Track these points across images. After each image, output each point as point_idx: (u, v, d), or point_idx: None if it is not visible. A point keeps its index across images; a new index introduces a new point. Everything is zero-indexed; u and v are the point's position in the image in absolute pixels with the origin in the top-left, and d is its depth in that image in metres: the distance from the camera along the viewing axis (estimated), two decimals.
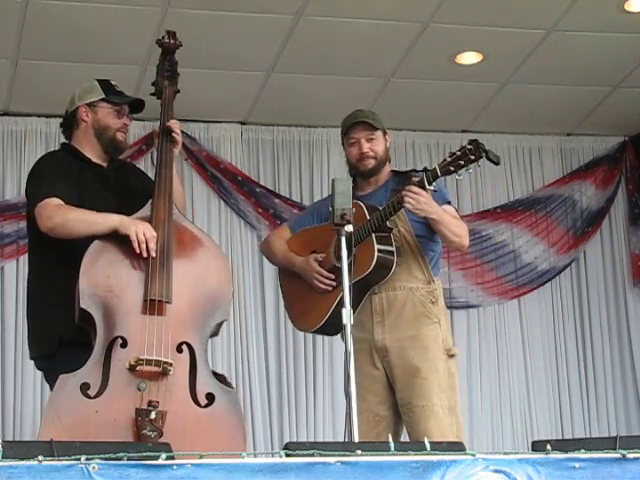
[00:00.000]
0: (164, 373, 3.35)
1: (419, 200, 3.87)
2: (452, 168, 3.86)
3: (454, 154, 3.87)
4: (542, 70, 6.48)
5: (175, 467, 2.28)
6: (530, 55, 6.31)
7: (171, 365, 3.36)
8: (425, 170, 4.02)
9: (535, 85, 6.71)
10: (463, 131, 7.33)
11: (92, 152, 3.90)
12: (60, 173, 3.79)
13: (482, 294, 7.15)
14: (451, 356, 4.03)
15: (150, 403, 3.28)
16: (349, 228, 3.54)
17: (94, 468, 2.23)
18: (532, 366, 7.12)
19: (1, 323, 6.39)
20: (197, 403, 3.38)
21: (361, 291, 3.94)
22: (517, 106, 6.97)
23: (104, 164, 3.93)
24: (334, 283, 4.03)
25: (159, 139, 3.86)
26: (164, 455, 2.29)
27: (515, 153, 7.46)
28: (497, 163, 3.96)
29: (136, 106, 4.01)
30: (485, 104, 6.93)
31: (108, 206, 3.71)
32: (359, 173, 4.21)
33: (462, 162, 3.84)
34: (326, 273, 4.07)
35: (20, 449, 2.28)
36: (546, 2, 5.76)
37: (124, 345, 3.39)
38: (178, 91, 4.03)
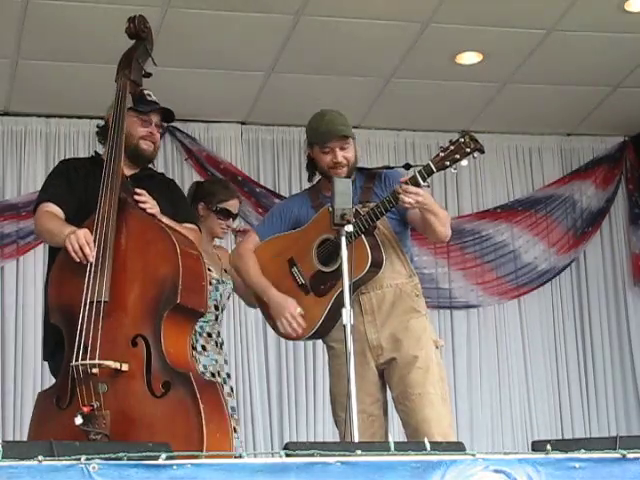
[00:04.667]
0: (118, 371, 3.39)
1: (417, 199, 3.83)
2: (447, 163, 3.82)
3: (447, 148, 3.84)
4: (542, 70, 6.48)
5: (175, 467, 2.27)
6: (530, 55, 6.31)
7: (109, 366, 3.37)
8: (407, 166, 4.00)
9: (535, 85, 6.71)
10: (463, 131, 7.31)
11: None
12: (60, 179, 3.89)
13: (482, 294, 7.15)
14: (437, 347, 4.05)
15: (81, 407, 3.32)
16: (349, 228, 3.53)
17: (94, 468, 2.23)
18: (532, 366, 7.12)
19: (1, 323, 6.39)
20: (154, 394, 3.39)
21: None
22: (517, 106, 6.97)
23: (129, 172, 3.94)
24: (301, 330, 3.99)
25: (110, 132, 3.82)
26: (164, 455, 2.29)
27: (515, 153, 7.46)
28: (483, 151, 3.90)
29: (168, 115, 4.05)
30: (485, 104, 6.93)
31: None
32: (328, 178, 4.05)
33: (458, 156, 3.81)
34: (300, 321, 3.99)
35: (20, 449, 2.28)
36: (546, 2, 5.76)
37: (86, 352, 3.43)
38: (148, 75, 3.98)
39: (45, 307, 3.82)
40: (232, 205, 4.87)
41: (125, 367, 3.39)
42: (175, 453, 2.35)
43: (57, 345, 3.64)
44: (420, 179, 3.85)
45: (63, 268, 3.64)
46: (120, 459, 2.28)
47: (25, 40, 5.77)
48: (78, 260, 3.53)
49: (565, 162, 7.54)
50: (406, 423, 3.99)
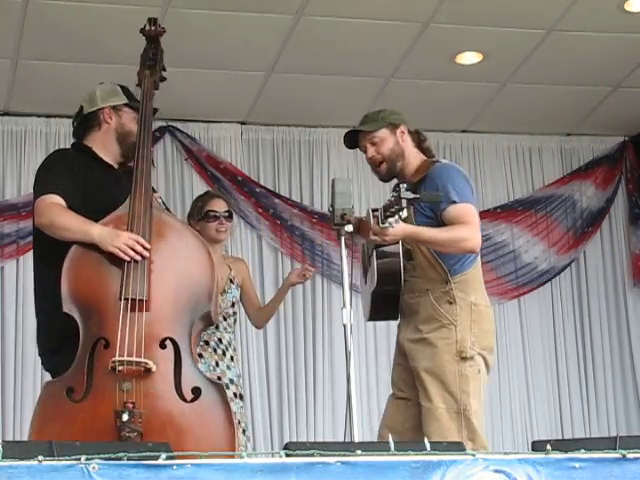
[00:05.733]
0: (146, 371, 3.34)
1: (384, 238, 3.79)
2: (387, 214, 3.66)
3: (389, 201, 3.66)
4: (542, 70, 6.48)
5: (175, 467, 2.27)
6: (530, 55, 6.31)
7: (147, 364, 3.33)
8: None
9: (535, 85, 6.71)
10: (463, 131, 7.33)
11: (108, 154, 3.88)
12: (66, 171, 3.76)
13: None
14: (464, 359, 3.93)
15: (124, 404, 3.26)
16: (349, 228, 3.54)
17: (94, 468, 2.23)
18: (532, 366, 7.12)
19: (1, 323, 6.39)
20: (183, 398, 3.36)
21: (388, 300, 4.02)
22: (517, 106, 6.97)
23: (115, 166, 3.92)
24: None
25: (138, 131, 3.78)
26: (164, 455, 2.29)
27: (515, 153, 7.46)
28: (439, 202, 3.84)
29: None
30: (485, 104, 6.93)
31: (115, 204, 3.67)
32: (380, 179, 4.23)
33: (390, 211, 3.64)
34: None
35: (20, 449, 2.27)
36: (546, 2, 5.76)
37: (107, 346, 3.37)
38: (164, 79, 3.98)
39: (48, 299, 3.67)
40: (214, 205, 4.88)
41: (154, 368, 3.35)
42: (175, 453, 2.35)
43: (65, 339, 3.53)
44: (380, 222, 3.72)
45: (82, 259, 3.52)
46: (120, 459, 2.28)
47: (25, 40, 5.77)
48: (128, 259, 3.46)
49: (565, 162, 7.54)
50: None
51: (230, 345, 4.90)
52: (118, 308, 3.41)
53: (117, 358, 3.32)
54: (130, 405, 3.25)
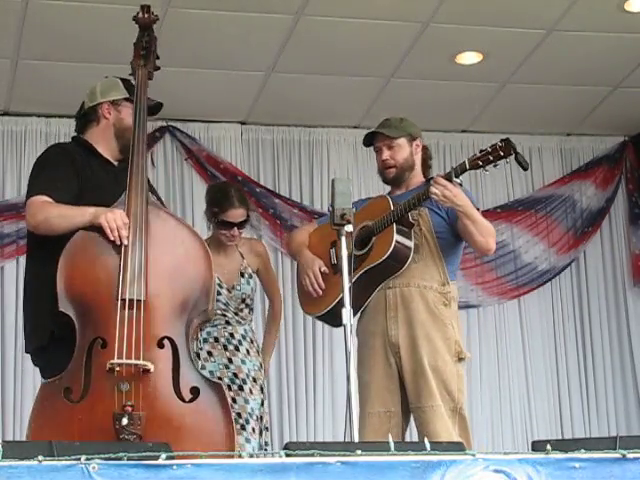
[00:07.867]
0: (145, 372, 3.29)
1: (444, 191, 3.89)
2: (480, 163, 3.93)
3: (484, 150, 3.94)
4: (542, 70, 6.48)
5: (175, 467, 2.27)
6: (530, 55, 6.31)
7: (145, 366, 3.29)
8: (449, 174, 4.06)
9: (535, 85, 6.72)
10: (463, 131, 7.33)
11: (107, 150, 3.82)
12: (59, 168, 3.68)
13: (482, 294, 7.15)
14: (461, 359, 4.08)
15: (123, 407, 3.22)
16: (349, 228, 3.56)
17: (94, 468, 2.23)
18: (532, 366, 7.12)
19: (1, 323, 6.39)
20: (181, 398, 3.33)
21: (372, 282, 4.01)
22: (517, 106, 6.97)
23: (115, 163, 3.85)
24: (320, 292, 4.14)
25: (134, 124, 3.69)
26: (164, 455, 2.29)
27: None
28: (525, 168, 4.07)
29: (152, 109, 3.92)
30: (485, 104, 6.93)
31: (111, 201, 3.60)
32: (384, 181, 4.30)
33: (491, 158, 3.92)
34: (320, 280, 4.14)
35: (20, 449, 2.27)
36: (546, 2, 5.76)
37: (104, 346, 3.32)
38: (157, 68, 3.89)
39: (38, 294, 3.63)
40: (229, 216, 4.78)
41: (153, 369, 3.30)
42: (175, 453, 2.35)
43: (54, 337, 3.50)
44: (453, 175, 3.92)
45: (79, 255, 3.45)
46: (120, 459, 2.28)
47: (25, 40, 5.77)
48: (112, 239, 3.40)
49: (565, 162, 7.54)
50: (419, 432, 4.03)
51: (245, 338, 4.76)
52: (115, 308, 3.35)
53: (116, 361, 3.27)
54: (129, 408, 3.21)
